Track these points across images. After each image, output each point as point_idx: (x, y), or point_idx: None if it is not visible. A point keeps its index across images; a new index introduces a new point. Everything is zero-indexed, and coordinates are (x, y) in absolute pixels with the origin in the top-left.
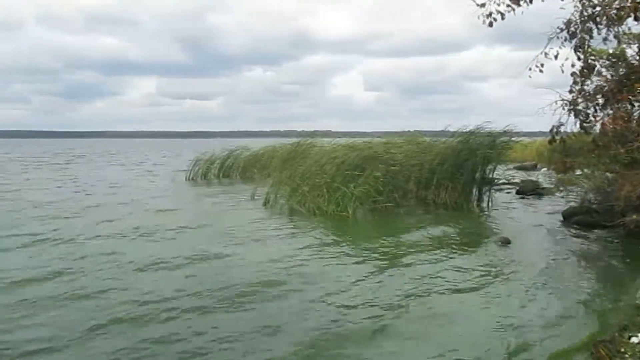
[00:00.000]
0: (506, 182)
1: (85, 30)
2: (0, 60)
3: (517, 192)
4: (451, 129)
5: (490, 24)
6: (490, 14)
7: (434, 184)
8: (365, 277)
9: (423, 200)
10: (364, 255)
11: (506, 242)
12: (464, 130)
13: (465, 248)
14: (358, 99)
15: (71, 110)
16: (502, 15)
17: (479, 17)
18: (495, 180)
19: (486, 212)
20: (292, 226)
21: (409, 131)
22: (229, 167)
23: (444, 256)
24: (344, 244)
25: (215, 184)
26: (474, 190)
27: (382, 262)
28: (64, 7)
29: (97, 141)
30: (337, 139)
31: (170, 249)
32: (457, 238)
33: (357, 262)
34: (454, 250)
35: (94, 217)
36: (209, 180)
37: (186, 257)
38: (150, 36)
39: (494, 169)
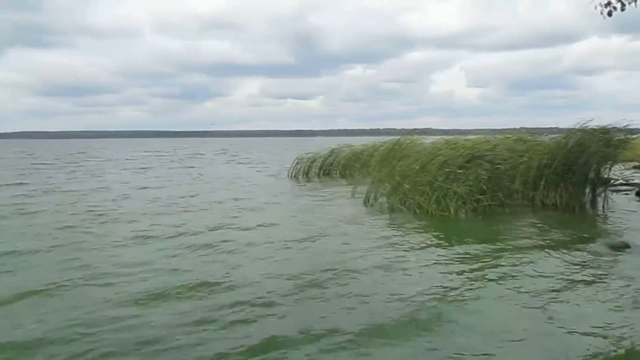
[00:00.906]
0: (624, 182)
1: (196, 35)
2: (122, 67)
3: (638, 194)
4: (562, 126)
5: (610, 14)
6: (608, 3)
7: (542, 183)
8: (469, 278)
9: (530, 201)
10: (466, 255)
11: (624, 247)
12: (576, 127)
13: (579, 253)
14: (460, 96)
15: (183, 110)
16: (623, 5)
17: (595, 8)
18: (612, 181)
19: (601, 215)
20: (392, 224)
21: (515, 129)
22: (329, 165)
23: (559, 263)
24: (445, 244)
25: (316, 182)
26: (587, 191)
27: (486, 265)
28: (178, 15)
29: (206, 140)
30: (438, 137)
31: (276, 240)
32: (569, 241)
33: (458, 262)
34: (568, 255)
35: (216, 210)
36: (310, 178)
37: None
38: (257, 39)
39: (610, 168)
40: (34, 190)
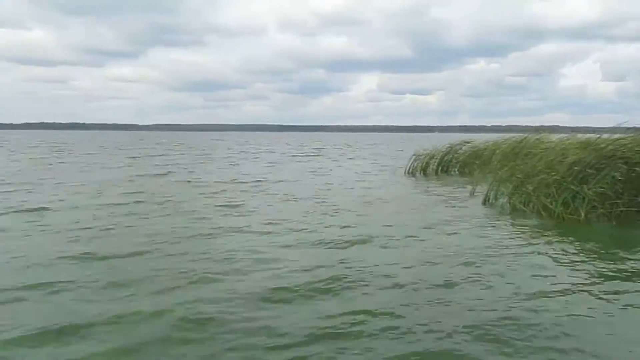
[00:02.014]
0: None
1: (316, 32)
2: (248, 63)
3: None
4: None
5: None
6: None
7: None
8: (605, 298)
9: None
10: (600, 268)
11: None
12: None
13: None
14: (593, 91)
15: (303, 106)
16: None
17: None
18: None
19: None
20: (513, 227)
21: None
22: (447, 162)
23: None
24: (573, 251)
25: (433, 179)
26: None
27: (623, 280)
28: (300, 12)
29: (324, 135)
30: (566, 134)
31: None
32: None
33: (589, 275)
34: None
35: (340, 205)
36: (427, 175)
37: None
38: (376, 34)
39: None
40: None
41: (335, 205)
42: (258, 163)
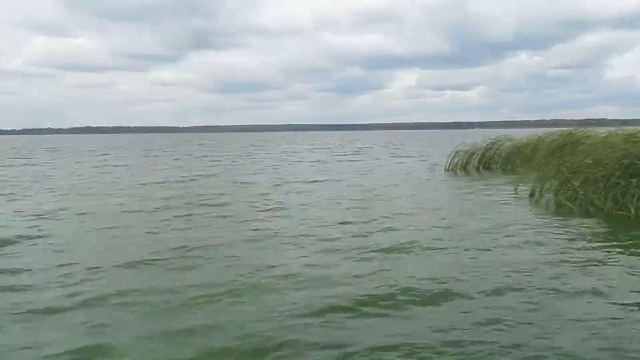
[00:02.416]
0: None
1: (353, 30)
2: (286, 63)
3: None
4: None
5: None
6: None
7: None
8: None
9: None
10: None
11: None
12: None
13: None
14: None
15: (341, 104)
16: None
17: None
18: None
19: None
20: (562, 224)
21: None
22: (489, 159)
23: None
24: (625, 252)
25: (475, 176)
26: None
27: None
28: (336, 10)
29: (363, 133)
30: (614, 128)
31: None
32: None
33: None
34: None
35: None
36: (468, 172)
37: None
38: (414, 30)
39: None
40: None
41: (380, 207)
42: (301, 163)
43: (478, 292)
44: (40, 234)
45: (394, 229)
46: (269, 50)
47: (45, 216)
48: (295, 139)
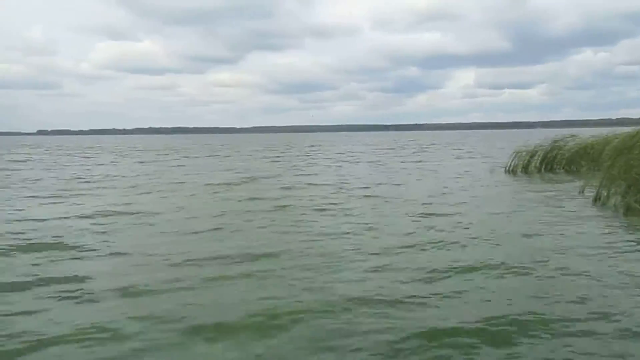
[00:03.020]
0: None
1: (410, 29)
2: (341, 64)
3: None
4: None
5: None
6: None
7: None
8: None
9: None
10: None
11: None
12: None
13: None
14: None
15: (397, 104)
16: None
17: None
18: None
19: None
20: (631, 229)
21: None
22: (552, 159)
23: None
24: None
25: (536, 177)
26: None
27: None
28: (394, 9)
29: (419, 133)
30: None
31: (497, 250)
32: None
33: None
34: None
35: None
36: (529, 173)
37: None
38: (472, 28)
39: None
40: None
41: (446, 213)
42: (361, 164)
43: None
44: (106, 236)
45: (461, 242)
46: (324, 50)
47: (120, 215)
48: (351, 139)
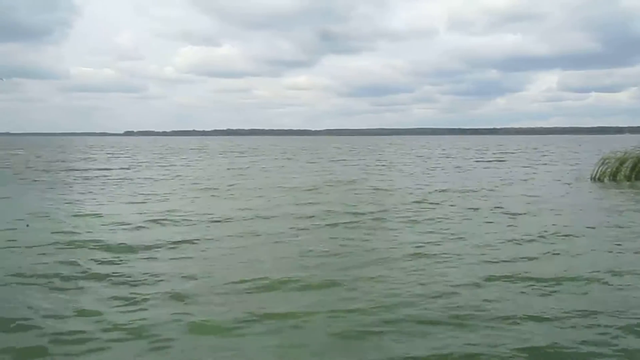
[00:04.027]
0: None
1: (488, 30)
2: (415, 66)
3: None
4: None
5: None
6: None
7: None
8: None
9: None
10: None
11: None
12: None
13: None
14: None
15: (473, 108)
16: None
17: None
18: None
19: None
20: None
21: None
22: None
23: None
24: None
25: (625, 186)
26: None
27: None
28: (471, 10)
29: (496, 138)
30: None
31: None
32: None
33: None
34: None
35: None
36: (618, 181)
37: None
38: (555, 28)
39: None
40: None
41: (534, 224)
42: (440, 170)
43: None
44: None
45: (555, 253)
46: (398, 53)
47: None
48: (426, 143)
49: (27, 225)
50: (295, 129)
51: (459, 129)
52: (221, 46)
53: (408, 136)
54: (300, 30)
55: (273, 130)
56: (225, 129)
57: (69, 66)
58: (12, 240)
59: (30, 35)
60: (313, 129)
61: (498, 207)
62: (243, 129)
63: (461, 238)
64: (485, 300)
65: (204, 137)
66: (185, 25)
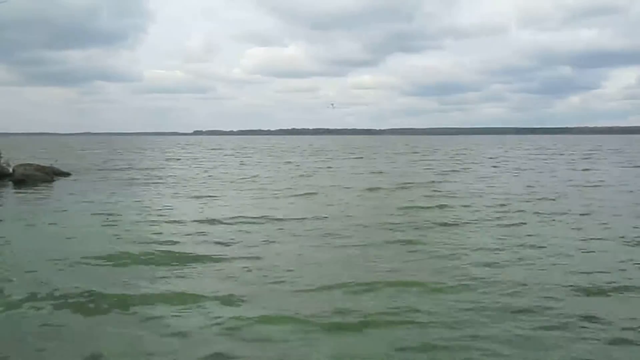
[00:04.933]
0: None
1: (562, 26)
2: (484, 64)
3: None
4: None
5: None
6: None
7: None
8: None
9: None
10: None
11: None
12: None
13: None
14: None
15: (544, 106)
16: None
17: None
18: None
19: None
20: None
21: None
22: None
23: None
24: None
25: None
26: None
27: None
28: (544, 6)
29: (571, 138)
30: None
31: None
32: None
33: None
34: None
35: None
36: None
37: None
38: (635, 23)
39: None
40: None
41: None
42: (526, 173)
43: None
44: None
45: None
46: (466, 51)
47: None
48: (497, 143)
49: None
50: (359, 128)
51: (529, 128)
52: (287, 47)
53: (476, 136)
54: (365, 29)
55: (337, 129)
56: (290, 128)
57: (143, 69)
58: None
59: (108, 41)
60: (377, 128)
61: (615, 217)
62: (307, 129)
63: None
64: None
65: (269, 136)
66: (253, 27)
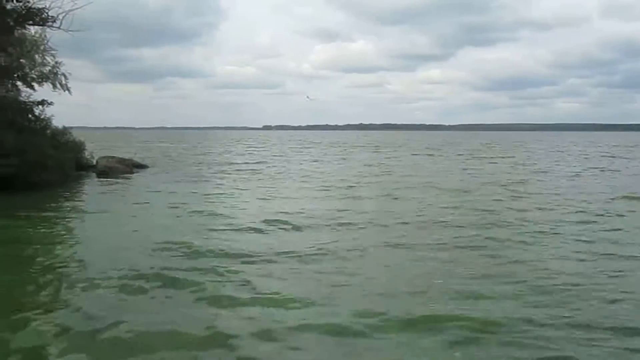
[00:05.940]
0: None
1: None
2: (561, 57)
3: None
4: None
5: None
6: None
7: None
8: None
9: None
10: None
11: None
12: None
13: None
14: None
15: (627, 101)
16: None
17: None
18: None
19: None
20: None
21: None
22: None
23: None
24: None
25: None
26: None
27: None
28: None
29: None
30: None
31: None
32: None
33: None
34: None
35: None
36: None
37: None
38: None
39: None
40: None
41: None
42: (623, 175)
43: None
44: None
45: None
46: (542, 43)
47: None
48: (580, 140)
49: None
50: (427, 123)
51: (610, 124)
52: (356, 42)
53: (551, 132)
54: (436, 23)
55: (405, 124)
56: (357, 123)
57: (215, 65)
58: None
59: (182, 38)
60: (447, 124)
61: None
62: (375, 124)
63: None
64: None
65: (337, 131)
66: (321, 23)
